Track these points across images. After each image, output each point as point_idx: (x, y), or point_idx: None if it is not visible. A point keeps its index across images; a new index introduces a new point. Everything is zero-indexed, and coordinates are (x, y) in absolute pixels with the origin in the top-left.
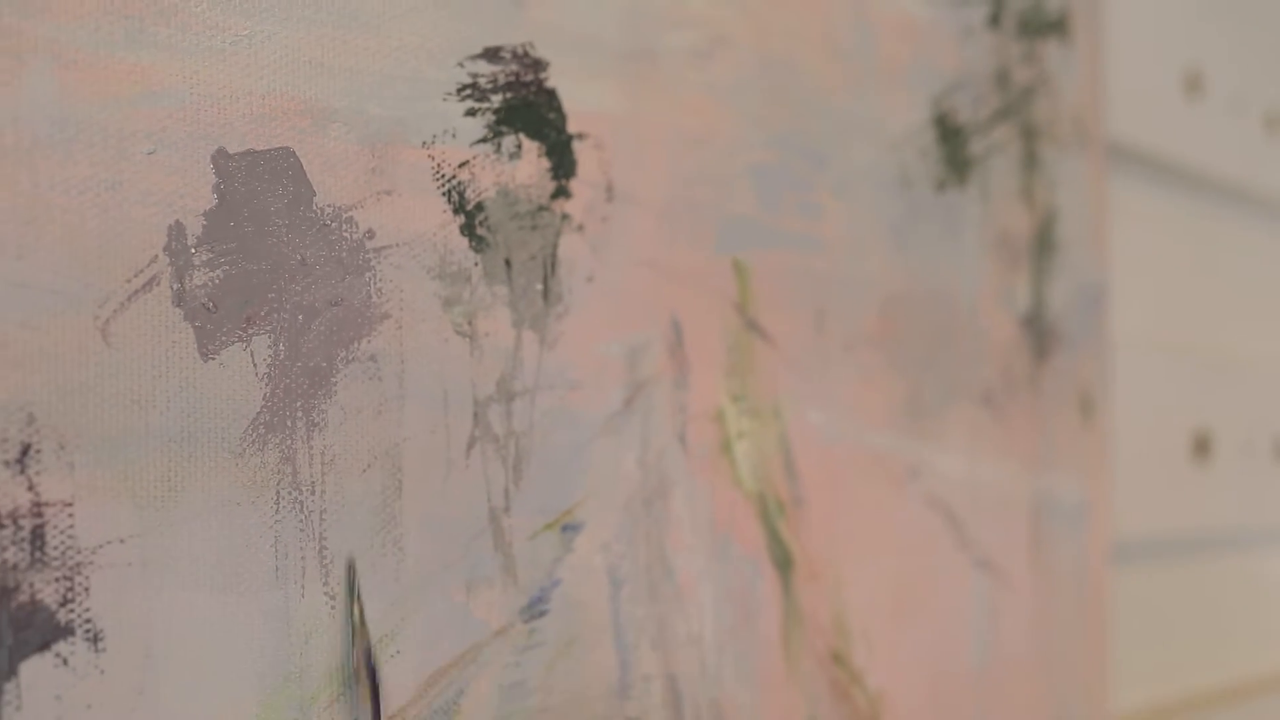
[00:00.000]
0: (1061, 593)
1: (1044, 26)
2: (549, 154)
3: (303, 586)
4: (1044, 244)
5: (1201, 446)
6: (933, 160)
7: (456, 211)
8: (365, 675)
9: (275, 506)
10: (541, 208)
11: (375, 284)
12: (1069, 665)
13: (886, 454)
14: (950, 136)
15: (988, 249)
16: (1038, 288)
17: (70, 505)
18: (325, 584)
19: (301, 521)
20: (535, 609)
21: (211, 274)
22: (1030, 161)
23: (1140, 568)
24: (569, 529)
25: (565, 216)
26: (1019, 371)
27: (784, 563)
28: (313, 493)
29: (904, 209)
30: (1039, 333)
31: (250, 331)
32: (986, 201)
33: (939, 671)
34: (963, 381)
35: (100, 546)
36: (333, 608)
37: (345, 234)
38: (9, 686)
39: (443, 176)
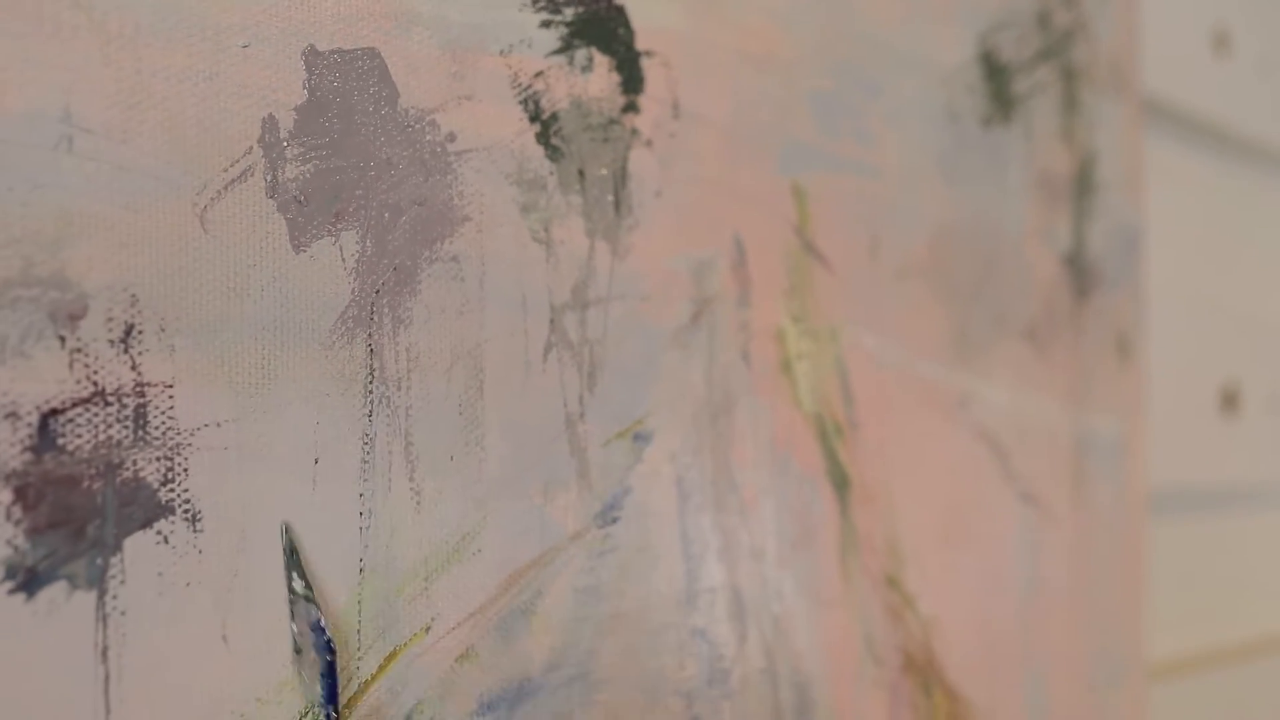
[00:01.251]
0: (1101, 530)
1: None
2: (619, 69)
3: (389, 480)
4: (1084, 185)
5: (1230, 400)
6: (979, 96)
7: (533, 120)
8: (315, 649)
9: (364, 400)
10: (612, 121)
11: (456, 186)
12: (1108, 602)
13: (936, 383)
14: (996, 74)
15: (1030, 187)
16: (1078, 227)
17: (171, 387)
18: (411, 480)
19: (389, 417)
20: (608, 515)
21: (302, 168)
22: (1070, 103)
23: (1168, 519)
24: (639, 438)
25: (634, 131)
26: (1060, 309)
27: (841, 483)
28: (399, 389)
29: (952, 142)
30: (1079, 272)
31: (339, 226)
32: (1029, 140)
33: (986, 601)
34: (1008, 316)
35: (199, 429)
36: (418, 504)
37: (428, 136)
38: (114, 561)
39: (519, 85)
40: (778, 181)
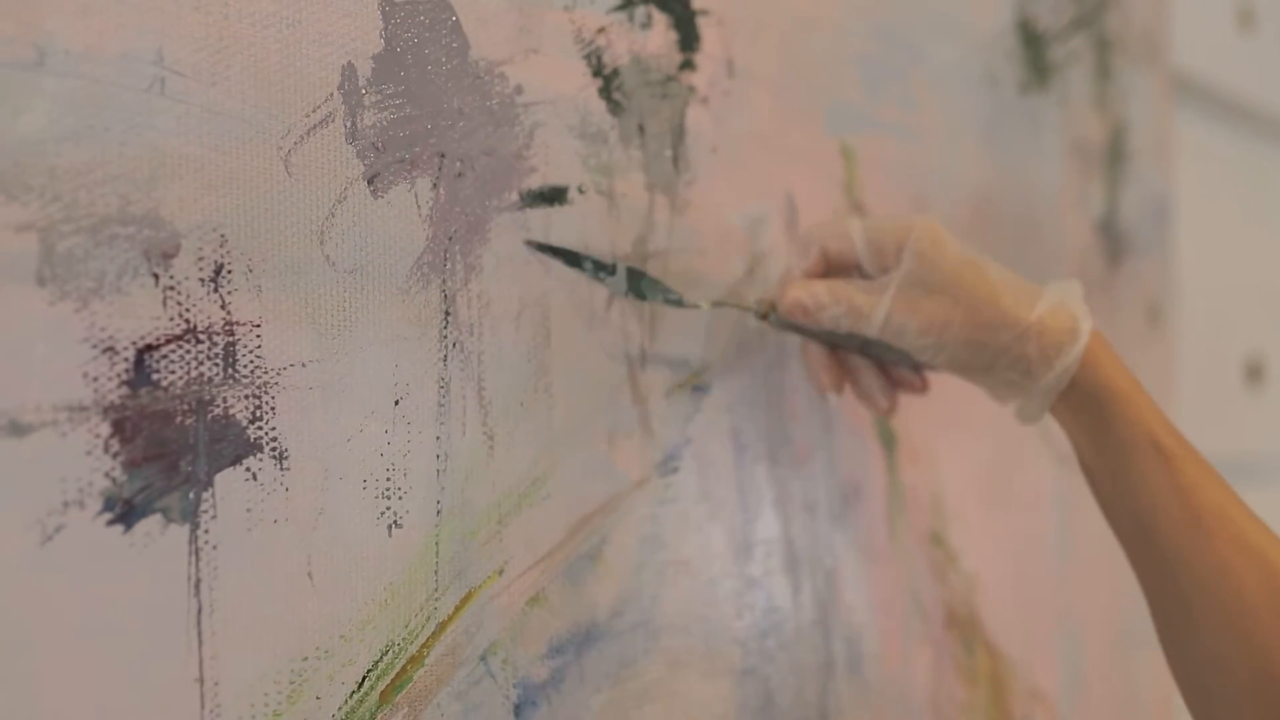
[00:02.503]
0: None
1: None
2: (676, 26)
3: (464, 424)
4: (1116, 153)
5: (1254, 373)
6: (1017, 62)
7: (595, 74)
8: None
9: (439, 345)
10: (670, 78)
11: (524, 138)
12: None
13: None
14: (1032, 41)
15: (1066, 152)
16: (1111, 194)
17: (258, 326)
18: (484, 424)
19: (463, 362)
20: (669, 465)
21: (379, 115)
22: (1103, 72)
23: None
24: (699, 389)
25: (691, 88)
26: (1094, 275)
27: (889, 441)
28: (471, 334)
29: (991, 107)
30: (1112, 238)
31: (414, 174)
32: (1064, 107)
33: (1025, 559)
34: (1045, 281)
35: (285, 368)
36: (491, 448)
37: (497, 88)
38: (206, 496)
39: (583, 40)
40: (826, 141)
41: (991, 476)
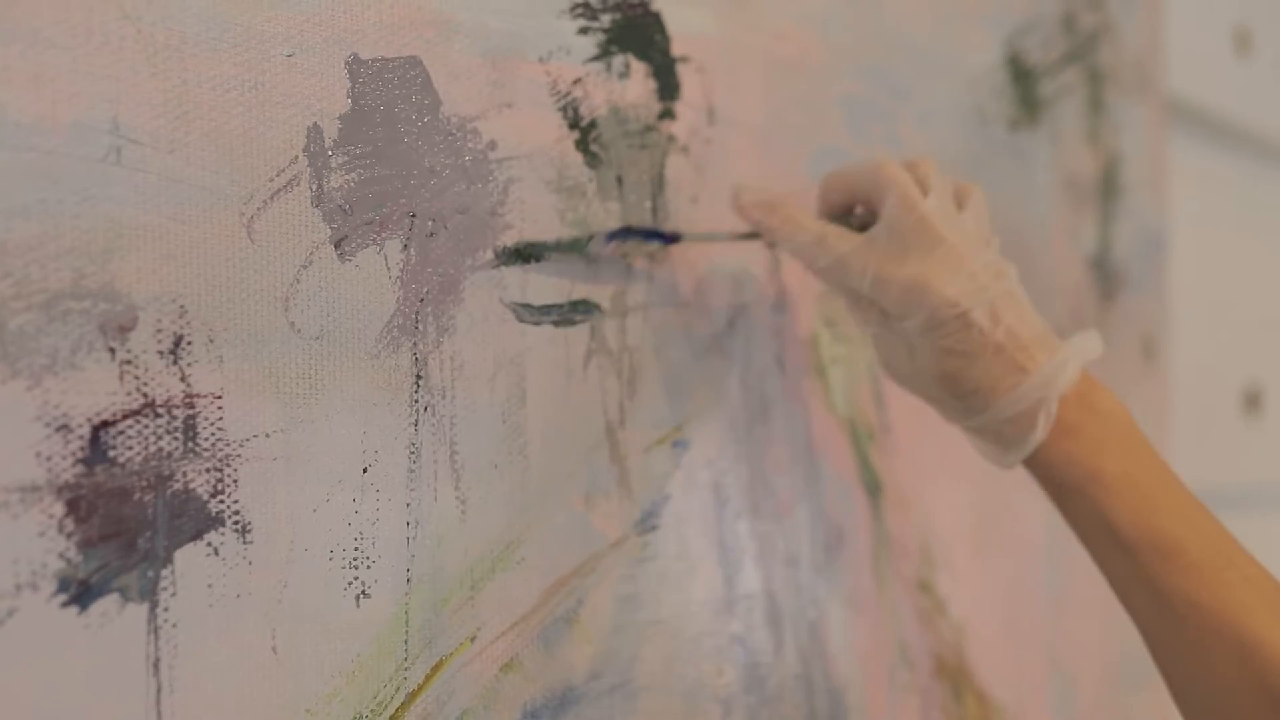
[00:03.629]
0: None
1: None
2: (655, 75)
3: (435, 490)
4: (1109, 187)
5: (1252, 402)
6: (1006, 100)
7: (572, 126)
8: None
9: (410, 409)
10: (649, 127)
11: (498, 194)
12: None
13: None
14: (1022, 77)
15: (1057, 189)
16: (1104, 230)
17: (220, 398)
18: (457, 488)
19: (434, 425)
20: (648, 523)
21: (347, 176)
22: (1096, 105)
23: None
24: (678, 445)
25: (671, 138)
26: (1086, 312)
27: (874, 488)
28: (444, 397)
29: (980, 145)
30: (1105, 274)
31: (383, 235)
32: (1056, 143)
33: (1015, 604)
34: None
35: (248, 440)
36: (463, 512)
37: (470, 144)
38: (165, 573)
39: (559, 92)
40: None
41: (980, 522)
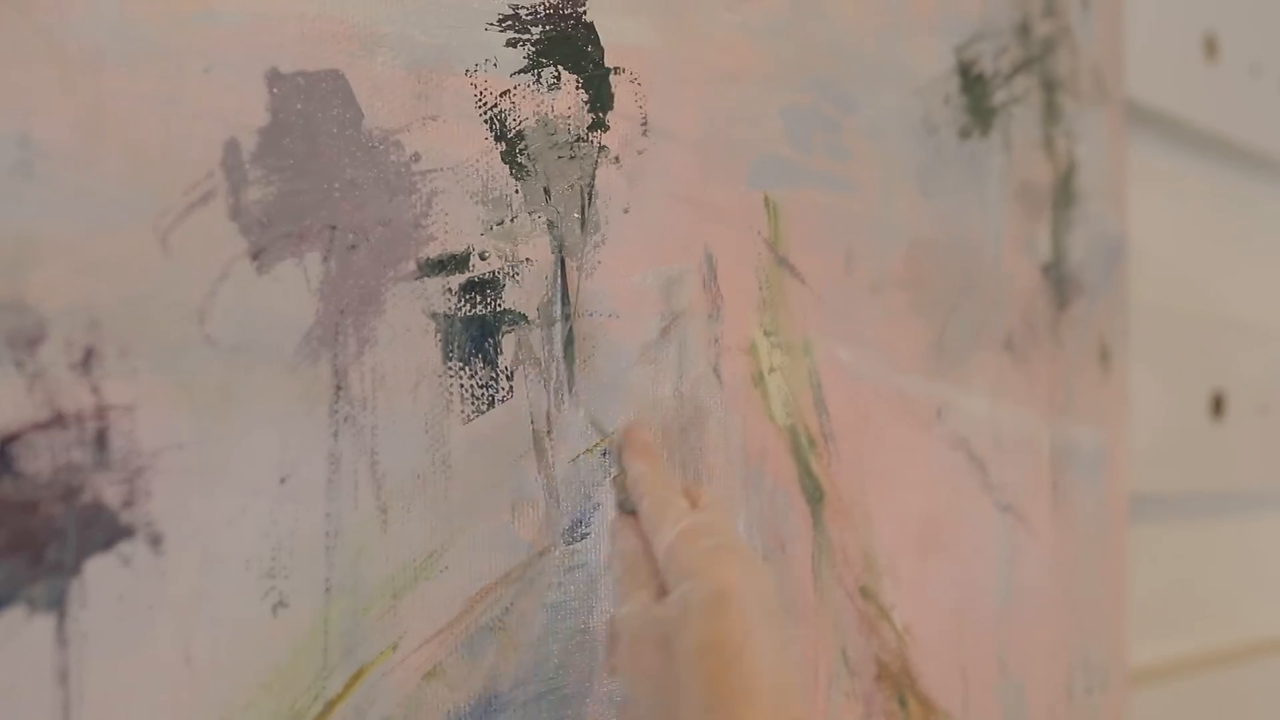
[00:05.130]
0: (1082, 540)
1: None
2: (587, 86)
3: (355, 500)
4: (1064, 195)
5: (1218, 406)
6: (957, 108)
7: (498, 139)
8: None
9: (329, 420)
10: (579, 139)
11: (421, 206)
12: (1089, 611)
13: (913, 395)
14: (973, 85)
15: (1010, 197)
16: (1058, 237)
17: (132, 410)
18: (378, 498)
19: (354, 436)
20: (577, 531)
21: (265, 190)
22: (1051, 113)
23: (1156, 525)
24: (609, 454)
25: (603, 148)
26: (1040, 319)
27: (815, 496)
28: (365, 408)
29: (929, 155)
30: (1059, 282)
31: (303, 248)
32: (1009, 151)
33: (963, 610)
34: (986, 327)
35: (161, 451)
36: (384, 523)
37: (392, 157)
38: (74, 584)
39: (485, 104)
40: (749, 196)
41: (928, 527)
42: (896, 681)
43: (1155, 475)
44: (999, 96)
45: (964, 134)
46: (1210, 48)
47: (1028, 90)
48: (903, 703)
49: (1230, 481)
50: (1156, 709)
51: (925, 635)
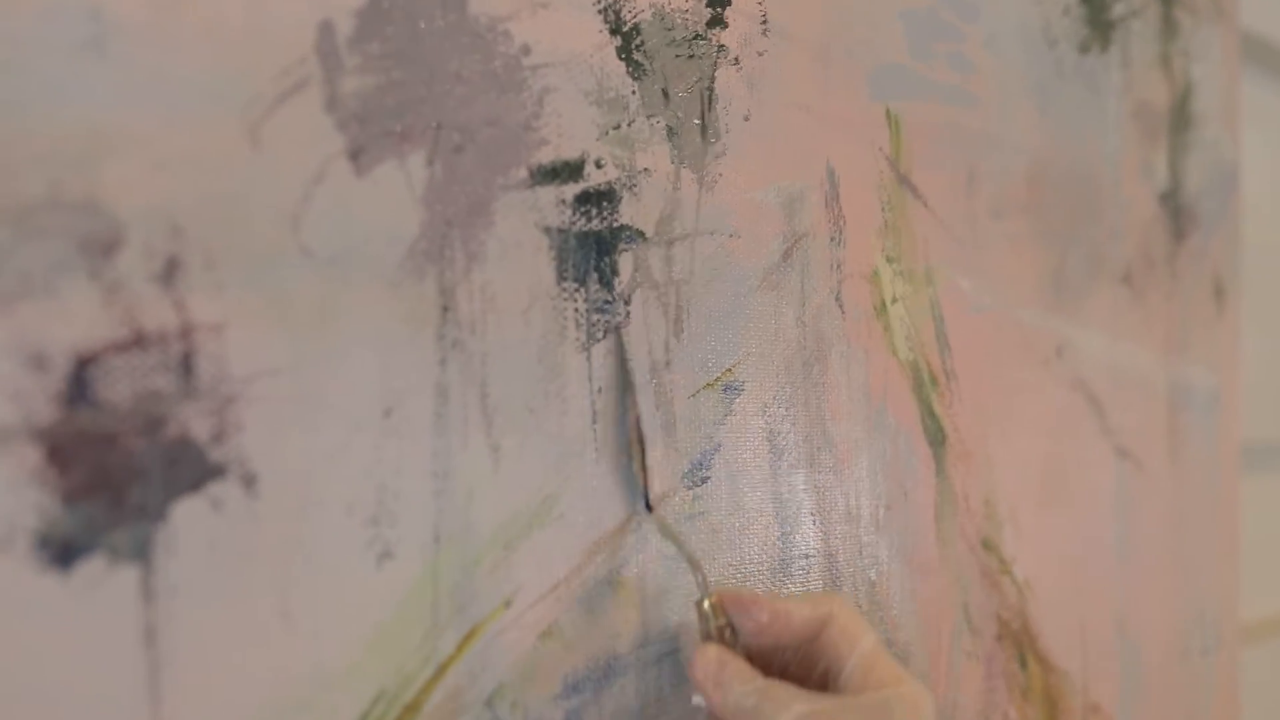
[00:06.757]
0: (1197, 488)
1: None
2: None
3: (465, 436)
4: (1181, 118)
5: None
6: (1076, 19)
7: (613, 32)
8: (637, 446)
9: (436, 345)
10: (698, 36)
11: (532, 105)
12: (1203, 564)
13: (1033, 330)
14: None
15: (1128, 118)
16: (1175, 163)
17: (220, 329)
18: (489, 435)
19: (463, 364)
20: (698, 474)
21: (364, 80)
22: (1168, 28)
23: (1260, 475)
24: (730, 389)
25: (721, 48)
26: (1157, 251)
27: (937, 439)
28: (473, 332)
29: (1049, 69)
30: (1176, 211)
31: (405, 148)
32: (1126, 68)
33: (1081, 564)
34: (1105, 258)
35: (253, 378)
36: (496, 462)
37: (500, 48)
38: (160, 530)
39: None
40: (870, 107)
41: (1047, 473)
42: (1017, 640)
43: (1263, 422)
44: (1118, 9)
45: (1083, 48)
46: None
47: (1146, 3)
48: (1023, 663)
49: None
50: (1265, 667)
51: (1045, 591)
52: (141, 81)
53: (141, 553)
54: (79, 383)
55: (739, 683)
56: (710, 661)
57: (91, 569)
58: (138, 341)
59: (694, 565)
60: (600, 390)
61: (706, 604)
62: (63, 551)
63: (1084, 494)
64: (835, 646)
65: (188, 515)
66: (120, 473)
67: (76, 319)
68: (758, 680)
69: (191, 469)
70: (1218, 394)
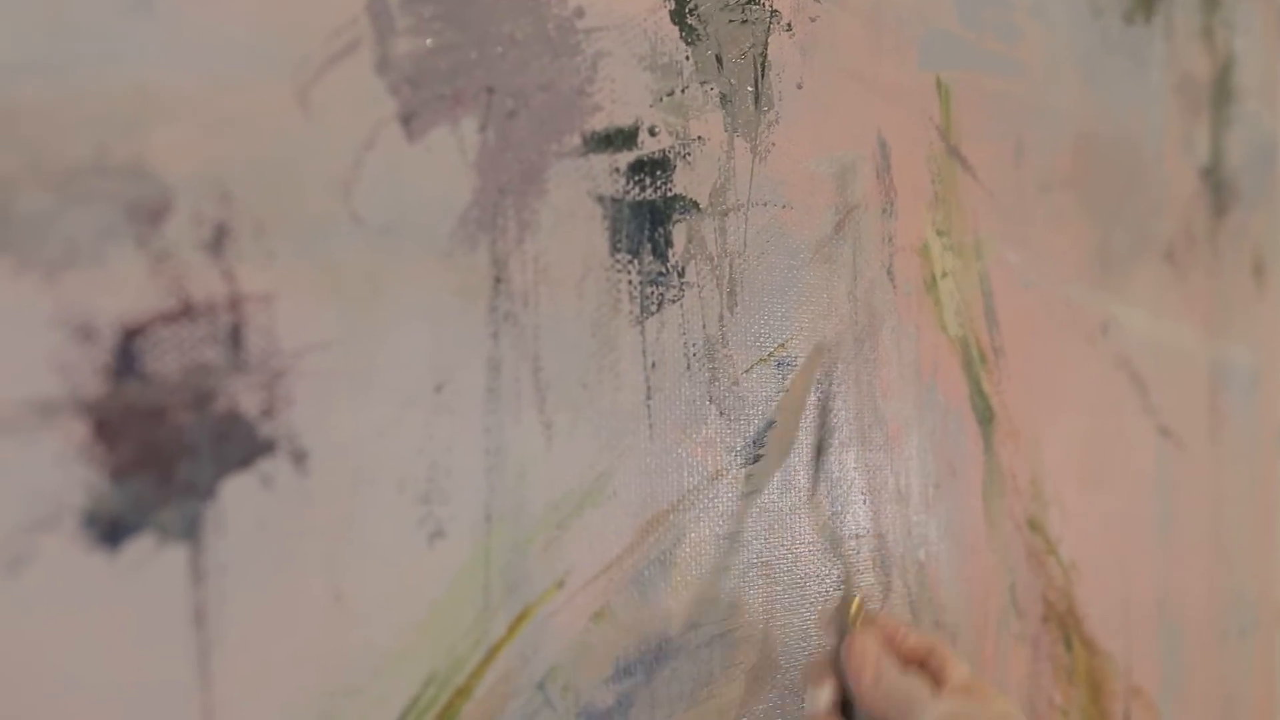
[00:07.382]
0: (1237, 468)
1: None
2: None
3: (518, 412)
4: (1223, 91)
5: None
6: None
7: None
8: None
9: (489, 318)
10: (751, 0)
11: (586, 70)
12: (1241, 542)
13: (1079, 307)
14: None
15: (1171, 91)
16: (1217, 137)
17: (270, 300)
18: (541, 411)
19: (516, 337)
20: (751, 452)
21: (416, 42)
22: (1211, 0)
23: None
24: (783, 364)
25: (774, 12)
26: (1198, 228)
27: (985, 417)
28: (526, 304)
29: (1094, 39)
30: (1218, 186)
31: (458, 113)
32: (1170, 39)
33: (1125, 544)
34: (1148, 234)
35: (303, 351)
36: (549, 439)
37: (554, 10)
38: (210, 507)
39: None
40: (920, 76)
41: (1091, 452)
42: (1062, 622)
43: None
44: None
45: (1128, 19)
46: None
47: None
48: (1068, 645)
49: None
50: None
51: (1089, 572)
52: (189, 41)
53: (191, 531)
54: (126, 355)
55: (893, 673)
56: (867, 651)
57: (140, 548)
58: (186, 312)
59: (844, 562)
60: (654, 365)
61: (855, 601)
62: (110, 530)
63: (1126, 473)
64: (940, 671)
65: (237, 493)
66: (169, 448)
67: (124, 289)
68: (910, 674)
69: (241, 445)
70: (1258, 374)
